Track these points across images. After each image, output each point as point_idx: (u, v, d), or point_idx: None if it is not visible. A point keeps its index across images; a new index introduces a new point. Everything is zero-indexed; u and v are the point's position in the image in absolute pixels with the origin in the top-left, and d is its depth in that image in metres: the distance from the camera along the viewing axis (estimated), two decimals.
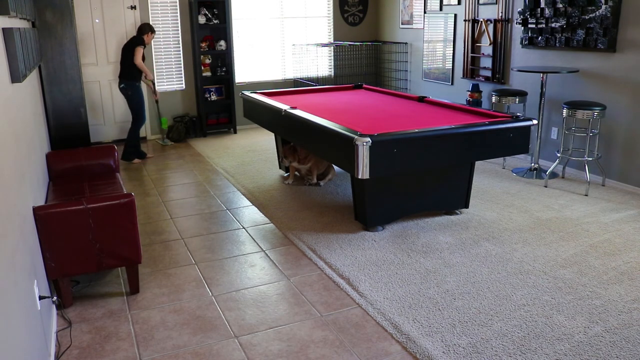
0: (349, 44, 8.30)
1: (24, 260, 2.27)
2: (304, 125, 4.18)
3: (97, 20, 6.84)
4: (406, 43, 7.83)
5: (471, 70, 6.61)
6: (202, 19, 7.24)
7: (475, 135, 3.79)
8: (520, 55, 5.86)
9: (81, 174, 4.02)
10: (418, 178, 4.07)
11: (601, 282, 3.21)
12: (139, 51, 5.98)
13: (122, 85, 6.07)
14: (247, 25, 7.81)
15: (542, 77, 5.25)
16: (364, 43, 8.31)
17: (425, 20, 7.31)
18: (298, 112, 4.33)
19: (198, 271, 3.48)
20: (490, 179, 5.26)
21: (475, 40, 6.48)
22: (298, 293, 3.17)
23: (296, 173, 5.40)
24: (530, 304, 2.98)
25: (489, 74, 6.34)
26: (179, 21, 7.32)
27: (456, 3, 6.69)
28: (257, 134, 7.60)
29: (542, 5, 5.40)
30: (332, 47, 8.31)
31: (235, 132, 7.74)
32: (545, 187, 5.01)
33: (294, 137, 4.49)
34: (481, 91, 6.32)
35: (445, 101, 4.89)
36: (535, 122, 3.99)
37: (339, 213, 4.42)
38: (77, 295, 3.18)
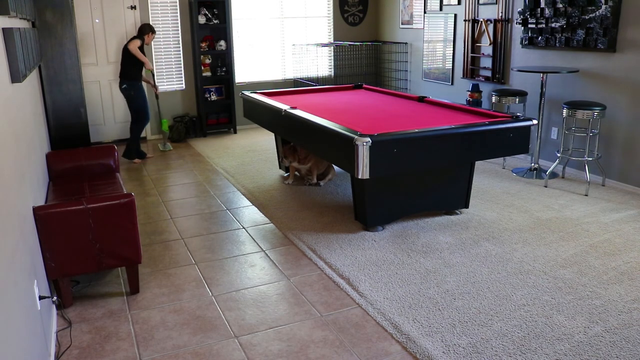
0: (349, 44, 8.30)
1: (24, 260, 2.27)
2: (304, 125, 4.18)
3: (97, 20, 6.84)
4: (406, 43, 7.83)
5: (471, 70, 6.61)
6: (202, 19, 7.24)
7: (475, 135, 3.79)
8: (520, 55, 5.86)
9: (81, 174, 4.02)
10: (418, 178, 4.07)
11: (601, 282, 3.21)
12: (136, 42, 5.95)
13: (123, 86, 6.06)
14: (247, 25, 7.81)
15: (542, 77, 5.25)
16: (364, 43, 8.31)
17: (425, 20, 7.31)
18: (298, 112, 4.33)
19: (198, 271, 3.48)
20: (490, 179, 5.26)
21: (475, 40, 6.48)
22: (298, 293, 3.17)
23: (296, 173, 5.40)
24: (530, 304, 2.98)
25: (489, 74, 6.34)
26: (179, 21, 7.32)
27: (456, 3, 6.69)
28: (257, 134, 7.60)
29: (542, 5, 5.40)
30: (332, 47, 8.31)
31: (235, 132, 7.74)
32: (545, 187, 5.01)
33: (294, 137, 4.49)
34: (481, 91, 6.32)
35: (445, 101, 4.89)
36: (535, 122, 3.99)
37: (339, 213, 4.42)
38: (77, 295, 3.18)
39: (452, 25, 6.82)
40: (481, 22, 6.30)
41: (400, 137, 3.53)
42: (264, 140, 7.15)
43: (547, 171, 5.24)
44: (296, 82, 8.12)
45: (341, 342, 2.68)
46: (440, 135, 3.68)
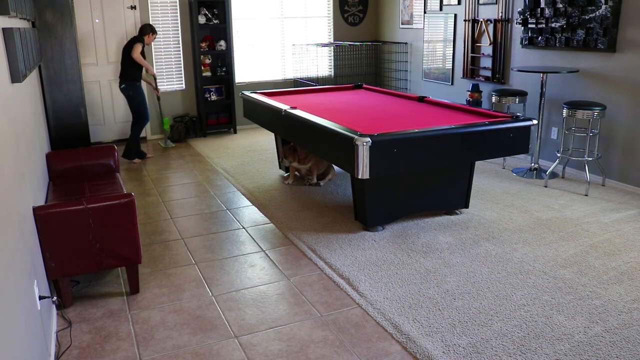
0: (349, 44, 8.30)
1: (24, 260, 2.27)
2: (304, 125, 4.18)
3: (97, 20, 6.84)
4: (406, 43, 7.83)
5: (471, 70, 6.61)
6: (202, 19, 7.24)
7: (475, 135, 3.79)
8: (520, 55, 5.86)
9: (81, 174, 4.02)
10: (418, 178, 4.07)
11: (601, 282, 3.21)
12: (138, 46, 5.96)
13: (122, 86, 6.06)
14: (247, 25, 7.81)
15: (542, 77, 5.25)
16: (364, 43, 8.31)
17: (425, 20, 7.31)
18: (298, 112, 4.33)
19: (198, 271, 3.48)
20: (490, 179, 5.26)
21: (475, 40, 6.48)
22: (298, 293, 3.17)
23: (296, 173, 5.40)
24: (530, 304, 2.98)
25: (489, 74, 6.34)
26: (179, 21, 7.33)
27: (456, 3, 6.69)
28: (257, 134, 7.60)
29: (542, 5, 5.40)
30: (332, 47, 8.31)
31: (235, 132, 7.74)
32: (545, 187, 5.01)
33: (294, 137, 4.49)
34: (481, 91, 6.32)
35: (445, 101, 4.89)
36: (535, 122, 3.99)
37: (339, 213, 4.42)
38: (77, 295, 3.18)
39: (452, 25, 6.82)
40: (481, 22, 6.30)
41: (400, 137, 3.53)
42: (264, 140, 7.15)
43: (547, 171, 5.24)
44: (296, 82, 8.12)
45: (341, 342, 2.68)
46: (440, 135, 3.68)
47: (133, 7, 6.98)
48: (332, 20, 8.25)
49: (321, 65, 8.34)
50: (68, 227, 2.88)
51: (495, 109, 5.48)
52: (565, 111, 4.86)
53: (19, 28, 2.77)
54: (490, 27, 6.20)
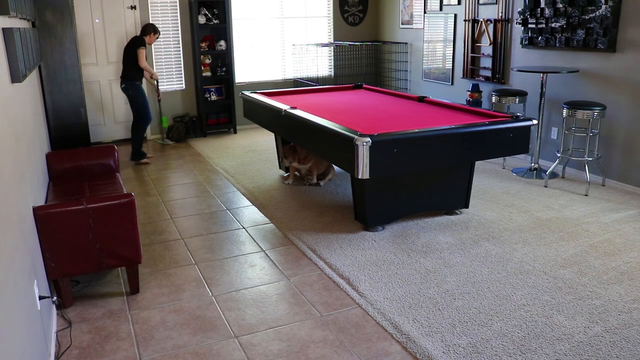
0: (349, 44, 8.30)
1: (24, 260, 2.27)
2: (304, 125, 4.18)
3: (97, 20, 6.84)
4: (406, 43, 7.83)
5: (471, 70, 6.61)
6: (202, 19, 7.24)
7: (475, 135, 3.79)
8: (520, 55, 5.86)
9: (81, 174, 4.02)
10: (418, 178, 4.07)
11: (601, 282, 3.21)
12: (142, 53, 5.93)
13: (123, 86, 6.05)
14: (247, 25, 7.81)
15: (542, 77, 5.25)
16: (364, 43, 8.31)
17: (425, 20, 7.31)
18: (298, 112, 4.33)
19: (198, 271, 3.48)
20: (490, 179, 5.26)
21: (475, 40, 6.48)
22: (298, 293, 3.17)
23: (296, 173, 5.40)
24: (530, 304, 2.98)
25: (489, 74, 6.34)
26: (179, 21, 7.33)
27: (456, 3, 6.69)
28: (257, 134, 7.60)
29: (542, 5, 5.40)
30: (332, 47, 8.31)
31: (235, 132, 7.74)
32: (545, 187, 5.01)
33: (294, 137, 4.49)
34: (481, 91, 6.32)
35: (445, 101, 4.89)
36: (535, 122, 3.99)
37: (339, 213, 4.42)
38: (77, 295, 3.18)
39: (452, 25, 6.82)
40: (481, 22, 6.30)
41: (400, 137, 3.53)
42: (264, 140, 7.15)
43: (547, 171, 5.24)
44: (296, 82, 8.12)
45: (341, 342, 2.68)
46: (440, 135, 3.68)
47: (133, 7, 6.98)
48: (332, 20, 8.26)
49: (321, 65, 8.34)
50: (68, 227, 2.88)
51: (495, 109, 5.48)
52: (565, 111, 4.86)
53: (19, 28, 2.77)
54: (490, 27, 6.20)
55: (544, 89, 5.27)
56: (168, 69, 7.42)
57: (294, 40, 8.12)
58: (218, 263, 3.60)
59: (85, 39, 6.79)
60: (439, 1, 7.00)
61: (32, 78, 3.87)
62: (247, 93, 5.51)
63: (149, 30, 6.10)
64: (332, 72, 8.43)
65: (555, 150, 5.48)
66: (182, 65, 7.48)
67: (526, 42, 5.70)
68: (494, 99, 5.54)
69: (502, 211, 4.39)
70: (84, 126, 4.67)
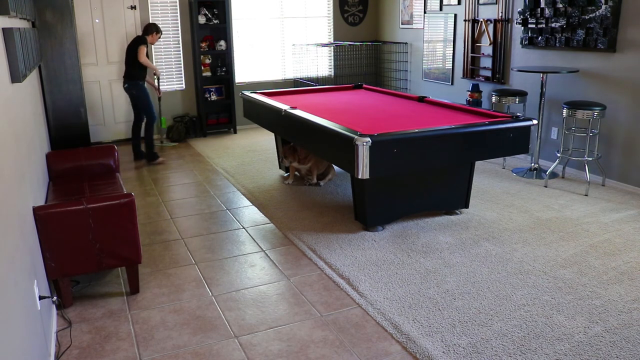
0: (349, 44, 8.30)
1: (24, 260, 2.27)
2: (304, 125, 4.18)
3: (97, 20, 6.84)
4: (406, 43, 7.83)
5: (471, 70, 6.61)
6: (202, 19, 7.24)
7: (475, 135, 3.79)
8: (520, 55, 5.86)
9: (81, 174, 4.02)
10: (418, 178, 4.07)
11: (601, 282, 3.21)
12: (143, 49, 5.93)
13: (125, 85, 6.05)
14: (247, 25, 7.81)
15: (542, 77, 5.25)
16: (364, 43, 8.31)
17: (425, 20, 7.31)
18: (298, 112, 4.33)
19: (198, 271, 3.48)
20: (490, 179, 5.26)
21: (475, 40, 6.48)
22: (298, 293, 3.17)
23: (296, 173, 5.40)
24: (530, 304, 2.98)
25: (489, 74, 6.34)
26: (179, 21, 7.33)
27: (456, 3, 6.69)
28: (257, 134, 7.60)
29: (542, 5, 5.40)
30: (332, 47, 8.31)
31: (235, 132, 7.74)
32: (545, 187, 5.01)
33: (294, 137, 4.49)
34: (481, 91, 6.32)
35: (445, 101, 4.89)
36: (535, 122, 3.99)
37: (339, 213, 4.42)
38: (77, 295, 3.18)
39: (452, 25, 6.82)
40: (481, 22, 6.30)
41: (400, 137, 3.53)
42: (264, 140, 7.15)
43: (547, 171, 5.24)
44: (296, 82, 8.12)
45: (341, 342, 2.68)
46: (440, 135, 3.68)
47: (133, 7, 6.98)
48: (332, 20, 8.25)
49: (321, 65, 8.34)
50: (68, 227, 2.88)
51: (495, 109, 5.48)
52: (565, 111, 4.86)
53: (19, 28, 2.77)
54: (490, 27, 6.20)
55: (544, 89, 5.27)
56: (168, 69, 7.42)
57: (294, 40, 8.12)
58: (218, 263, 3.60)
59: (85, 39, 6.79)
60: (439, 1, 7.00)
61: (32, 78, 3.87)
62: (247, 93, 5.51)
63: (152, 29, 6.09)
64: (332, 72, 8.43)
65: (555, 150, 5.48)
66: (182, 65, 7.48)
67: (526, 42, 5.70)
68: (494, 99, 5.54)
69: (502, 211, 4.39)
70: (84, 126, 4.67)
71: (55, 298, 2.91)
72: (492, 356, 2.53)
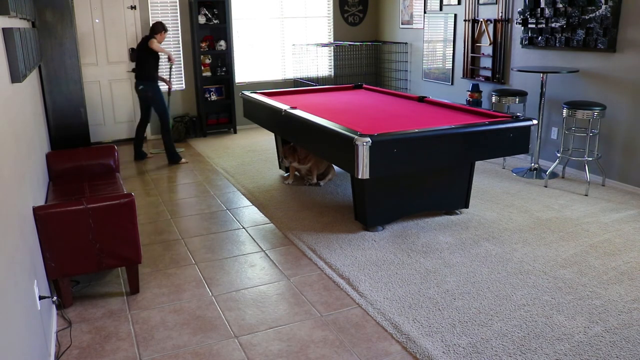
0: (349, 44, 8.30)
1: (24, 260, 2.27)
2: (304, 125, 4.18)
3: (97, 20, 6.84)
4: (406, 43, 7.83)
5: (471, 70, 6.61)
6: (202, 19, 7.24)
7: (475, 135, 3.79)
8: (520, 55, 5.86)
9: (81, 174, 4.02)
10: (418, 178, 4.07)
11: (601, 282, 3.21)
12: (153, 40, 5.83)
13: (140, 87, 5.96)
14: (247, 25, 7.81)
15: (542, 77, 5.25)
16: (364, 43, 8.31)
17: (425, 20, 7.31)
18: (298, 112, 4.33)
19: (198, 271, 3.48)
20: (490, 179, 5.26)
21: (475, 40, 6.48)
22: (298, 293, 3.17)
23: (296, 173, 5.40)
24: (530, 304, 2.98)
25: (489, 74, 6.34)
26: (179, 21, 7.32)
27: (456, 3, 6.69)
28: (257, 134, 7.60)
29: (542, 5, 5.40)
30: (332, 47, 8.31)
31: (235, 132, 7.74)
32: (545, 187, 5.01)
33: (294, 137, 4.49)
34: (481, 91, 6.32)
35: (445, 101, 4.89)
36: (535, 122, 3.99)
37: (339, 213, 4.42)
38: (77, 295, 3.18)
39: (452, 25, 6.82)
40: (481, 22, 6.30)
41: (400, 137, 3.53)
42: (264, 140, 7.15)
43: (547, 171, 5.24)
44: (296, 82, 8.12)
45: (341, 342, 2.68)
46: (440, 135, 3.68)
47: (133, 7, 6.98)
48: (332, 20, 8.25)
49: (321, 65, 8.34)
50: (68, 227, 2.88)
51: (495, 109, 5.48)
52: (565, 111, 4.86)
53: (19, 28, 2.77)
54: (490, 27, 6.20)
55: (544, 89, 5.27)
56: (168, 69, 7.40)
57: (294, 40, 8.12)
58: (218, 263, 3.60)
59: (85, 39, 6.79)
60: (439, 1, 7.00)
61: (32, 78, 3.87)
62: (247, 93, 5.51)
63: (159, 28, 6.04)
64: (332, 72, 8.43)
65: (555, 150, 5.48)
66: (182, 65, 7.48)
67: (526, 42, 5.70)
68: (494, 99, 5.54)
69: (502, 211, 4.39)
70: (84, 126, 4.67)
71: (55, 298, 2.91)
72: (492, 356, 2.53)
